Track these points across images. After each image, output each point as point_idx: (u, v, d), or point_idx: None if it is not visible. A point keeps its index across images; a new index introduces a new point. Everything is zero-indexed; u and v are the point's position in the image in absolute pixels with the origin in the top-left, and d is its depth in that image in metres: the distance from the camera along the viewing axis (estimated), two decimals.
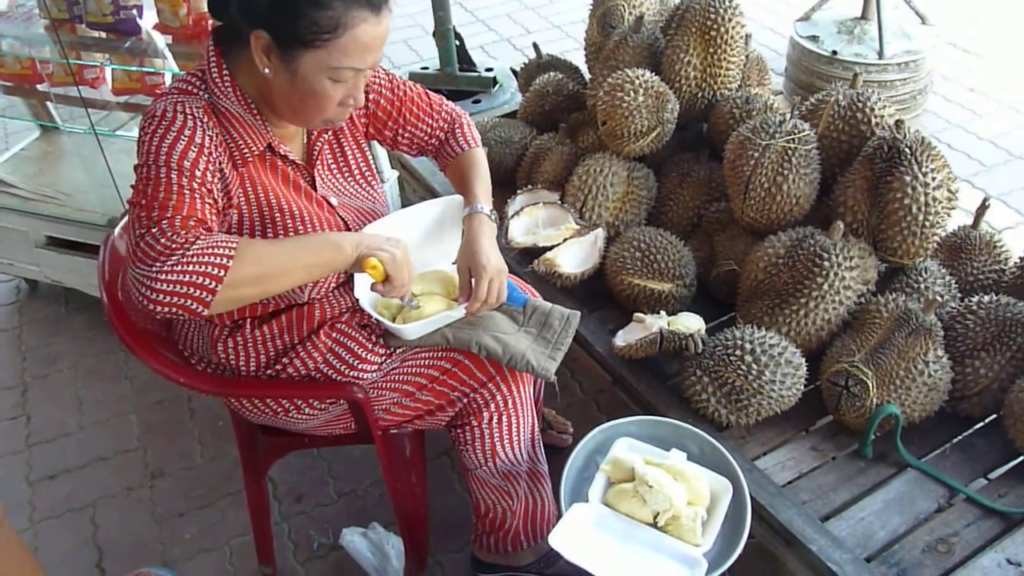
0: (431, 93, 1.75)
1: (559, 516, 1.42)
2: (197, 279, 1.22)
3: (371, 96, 1.64)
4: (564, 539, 1.38)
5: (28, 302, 2.94)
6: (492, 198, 1.69)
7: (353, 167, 1.64)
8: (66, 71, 2.54)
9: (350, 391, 1.56)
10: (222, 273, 1.24)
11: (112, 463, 2.32)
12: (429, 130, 1.73)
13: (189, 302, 1.22)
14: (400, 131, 1.71)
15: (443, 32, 2.99)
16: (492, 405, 1.61)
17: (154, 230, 1.23)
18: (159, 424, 2.43)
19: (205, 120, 1.35)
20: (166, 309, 1.22)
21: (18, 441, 2.41)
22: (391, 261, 1.42)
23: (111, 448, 2.37)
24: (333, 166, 1.61)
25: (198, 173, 1.30)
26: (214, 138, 1.35)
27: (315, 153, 1.55)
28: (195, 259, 1.22)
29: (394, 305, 1.62)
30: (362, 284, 1.56)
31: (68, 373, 2.63)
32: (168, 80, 2.54)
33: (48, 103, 2.87)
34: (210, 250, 1.24)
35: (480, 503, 1.77)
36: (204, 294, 1.23)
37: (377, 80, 1.65)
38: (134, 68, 2.50)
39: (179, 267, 1.21)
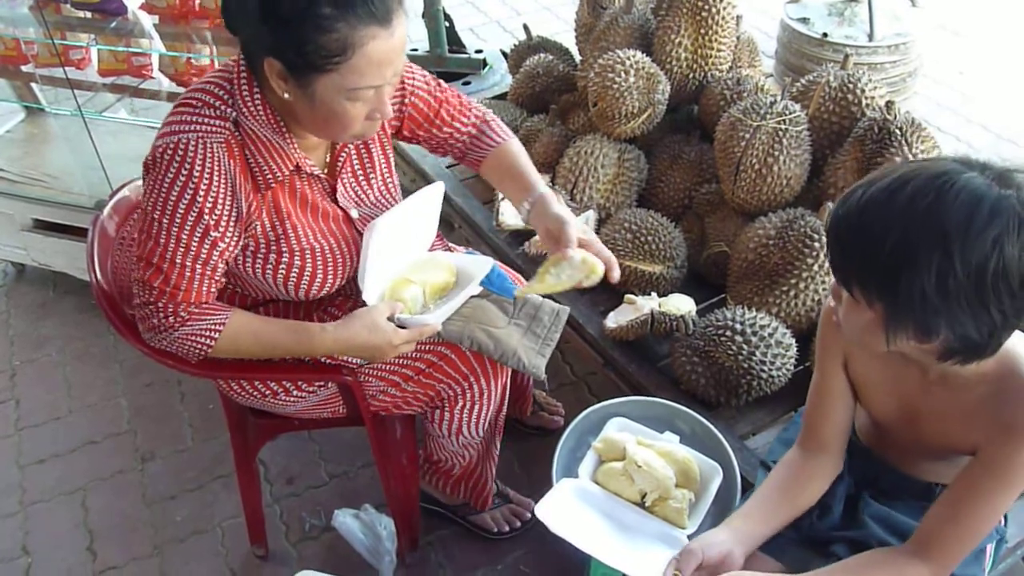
0: (460, 92, 1.69)
1: (539, 497, 1.42)
2: (182, 351, 1.42)
3: (408, 100, 1.58)
4: (549, 511, 1.39)
5: (15, 286, 2.92)
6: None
7: (379, 172, 1.56)
8: (51, 52, 2.51)
9: (340, 374, 1.56)
10: (204, 351, 1.42)
11: (102, 446, 2.32)
12: (462, 128, 1.67)
13: (175, 362, 1.47)
14: (436, 131, 1.65)
15: (432, 13, 2.97)
16: (468, 395, 1.62)
17: (149, 307, 1.37)
18: (149, 407, 2.42)
19: (226, 159, 1.31)
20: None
21: (7, 425, 2.40)
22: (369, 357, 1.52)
23: (101, 431, 2.36)
24: (360, 174, 1.53)
25: (206, 246, 1.33)
26: (234, 176, 1.32)
27: (340, 163, 1.49)
28: (181, 339, 1.39)
29: (410, 302, 1.54)
30: (371, 288, 1.47)
31: (57, 357, 2.61)
32: (155, 62, 2.51)
33: (33, 84, 2.83)
34: (195, 336, 1.39)
35: (433, 453, 1.84)
36: (190, 357, 1.44)
37: (414, 79, 1.58)
38: (120, 49, 2.47)
39: (166, 343, 1.40)
